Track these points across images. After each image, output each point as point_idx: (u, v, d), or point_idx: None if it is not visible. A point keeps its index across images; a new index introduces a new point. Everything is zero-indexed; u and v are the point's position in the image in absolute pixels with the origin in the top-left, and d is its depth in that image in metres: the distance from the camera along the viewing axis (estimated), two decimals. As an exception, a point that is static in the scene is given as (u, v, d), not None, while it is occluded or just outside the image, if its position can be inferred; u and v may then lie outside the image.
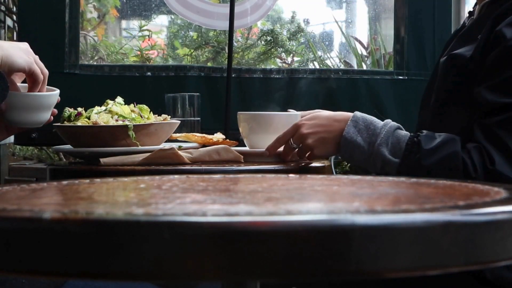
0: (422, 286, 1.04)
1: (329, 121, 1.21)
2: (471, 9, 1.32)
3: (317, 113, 1.26)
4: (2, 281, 1.14)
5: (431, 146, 1.09)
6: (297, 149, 1.25)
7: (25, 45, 1.14)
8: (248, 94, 2.30)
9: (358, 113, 1.19)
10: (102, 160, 1.28)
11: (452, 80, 1.20)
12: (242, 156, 1.33)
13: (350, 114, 1.19)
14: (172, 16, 3.21)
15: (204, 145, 1.43)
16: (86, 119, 1.39)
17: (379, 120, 1.17)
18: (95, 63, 2.98)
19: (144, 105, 1.43)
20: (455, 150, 1.08)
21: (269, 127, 1.39)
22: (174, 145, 1.36)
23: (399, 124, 1.17)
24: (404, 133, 1.15)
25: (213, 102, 2.18)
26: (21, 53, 1.11)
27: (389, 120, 1.17)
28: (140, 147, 1.32)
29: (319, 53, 2.99)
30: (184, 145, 1.41)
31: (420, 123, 1.31)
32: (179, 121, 1.46)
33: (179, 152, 1.29)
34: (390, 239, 0.41)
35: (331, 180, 0.80)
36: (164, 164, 1.27)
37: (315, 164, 1.31)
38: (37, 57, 1.14)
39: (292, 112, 1.42)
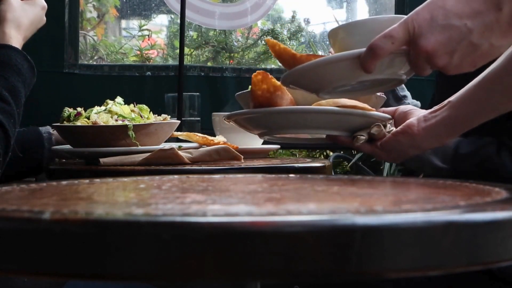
0: (429, 283, 1.04)
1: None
2: None
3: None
4: (4, 281, 1.14)
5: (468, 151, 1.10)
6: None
7: (41, 17, 1.29)
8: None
9: None
10: (102, 160, 1.28)
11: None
12: (242, 156, 1.34)
13: None
14: (172, 16, 3.21)
15: (204, 145, 1.43)
16: (86, 119, 1.39)
17: None
18: (94, 63, 2.98)
19: (144, 105, 1.44)
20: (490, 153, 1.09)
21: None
22: (174, 145, 1.35)
23: None
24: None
25: (213, 102, 2.18)
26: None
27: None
28: (140, 147, 1.31)
29: (320, 52, 2.99)
30: (184, 145, 1.41)
31: None
32: (179, 121, 1.46)
33: (179, 152, 1.29)
34: (391, 239, 0.41)
35: (331, 180, 0.80)
36: (164, 164, 1.27)
37: (315, 164, 1.31)
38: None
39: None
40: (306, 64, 0.88)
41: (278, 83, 1.07)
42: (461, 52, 0.75)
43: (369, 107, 1.09)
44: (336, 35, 0.97)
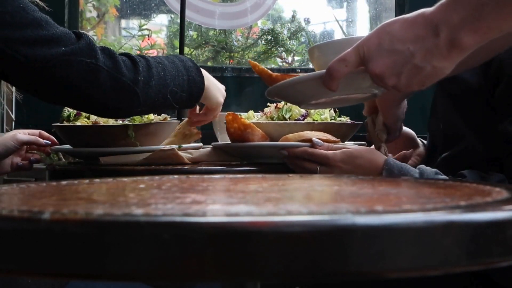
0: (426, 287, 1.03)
1: (363, 171, 1.16)
2: None
3: (350, 155, 1.19)
4: (8, 281, 1.14)
5: None
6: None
7: (222, 88, 1.36)
8: (248, 93, 2.30)
9: (390, 160, 1.16)
10: (102, 159, 1.28)
11: (457, 109, 1.18)
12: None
13: (380, 162, 1.16)
14: (172, 15, 3.21)
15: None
16: (86, 119, 1.38)
17: (414, 168, 1.14)
18: (95, 63, 2.97)
19: (144, 105, 1.43)
20: None
21: None
22: (174, 145, 1.35)
23: (436, 169, 1.14)
24: (443, 178, 1.11)
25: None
26: (218, 93, 1.33)
27: (424, 166, 1.15)
28: (139, 147, 1.31)
29: (320, 52, 2.98)
30: (184, 145, 1.41)
31: (431, 134, 1.30)
32: (179, 121, 1.46)
33: (179, 152, 1.29)
34: (391, 239, 0.41)
35: (331, 180, 0.79)
36: (164, 164, 1.27)
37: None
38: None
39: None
40: (280, 83, 0.96)
41: (248, 122, 1.28)
42: (407, 73, 0.81)
43: (333, 138, 1.24)
44: (313, 54, 1.06)
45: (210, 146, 1.41)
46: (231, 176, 0.80)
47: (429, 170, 1.13)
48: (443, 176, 1.12)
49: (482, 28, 0.74)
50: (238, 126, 1.27)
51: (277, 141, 1.28)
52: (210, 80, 1.30)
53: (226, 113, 1.56)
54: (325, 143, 1.21)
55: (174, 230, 0.40)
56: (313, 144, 1.21)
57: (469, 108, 1.16)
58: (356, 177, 0.79)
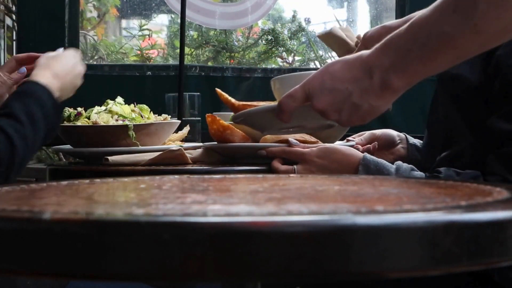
0: (428, 286, 1.03)
1: (339, 166, 1.19)
2: None
3: (326, 150, 1.23)
4: (8, 281, 1.14)
5: None
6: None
7: (78, 77, 1.31)
8: (249, 93, 2.30)
9: (367, 156, 1.18)
10: (110, 158, 1.28)
11: (458, 108, 1.18)
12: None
13: (357, 158, 1.18)
14: (172, 15, 3.21)
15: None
16: (86, 119, 1.38)
17: (390, 164, 1.16)
18: (95, 63, 2.97)
19: (144, 105, 1.43)
20: None
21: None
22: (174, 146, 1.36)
23: (412, 166, 1.15)
24: (419, 174, 1.13)
25: (214, 102, 2.18)
26: (72, 88, 1.28)
27: (400, 163, 1.16)
28: (140, 147, 1.32)
29: (320, 52, 2.98)
30: (185, 145, 1.42)
31: (431, 133, 1.30)
32: (179, 121, 1.47)
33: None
34: (392, 239, 0.41)
35: (332, 180, 0.79)
36: (165, 164, 1.27)
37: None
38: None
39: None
40: (241, 113, 1.03)
41: (226, 123, 1.33)
42: (346, 110, 0.87)
43: (311, 139, 1.30)
44: (274, 85, 1.16)
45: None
46: (231, 176, 0.80)
47: (405, 166, 1.15)
48: (419, 172, 1.14)
49: (409, 72, 0.80)
50: (217, 127, 1.32)
51: (259, 142, 1.32)
52: (64, 89, 1.25)
53: (225, 113, 1.57)
54: (301, 143, 1.25)
55: (174, 230, 0.40)
56: (289, 145, 1.25)
57: (469, 107, 1.16)
58: (357, 176, 0.79)
